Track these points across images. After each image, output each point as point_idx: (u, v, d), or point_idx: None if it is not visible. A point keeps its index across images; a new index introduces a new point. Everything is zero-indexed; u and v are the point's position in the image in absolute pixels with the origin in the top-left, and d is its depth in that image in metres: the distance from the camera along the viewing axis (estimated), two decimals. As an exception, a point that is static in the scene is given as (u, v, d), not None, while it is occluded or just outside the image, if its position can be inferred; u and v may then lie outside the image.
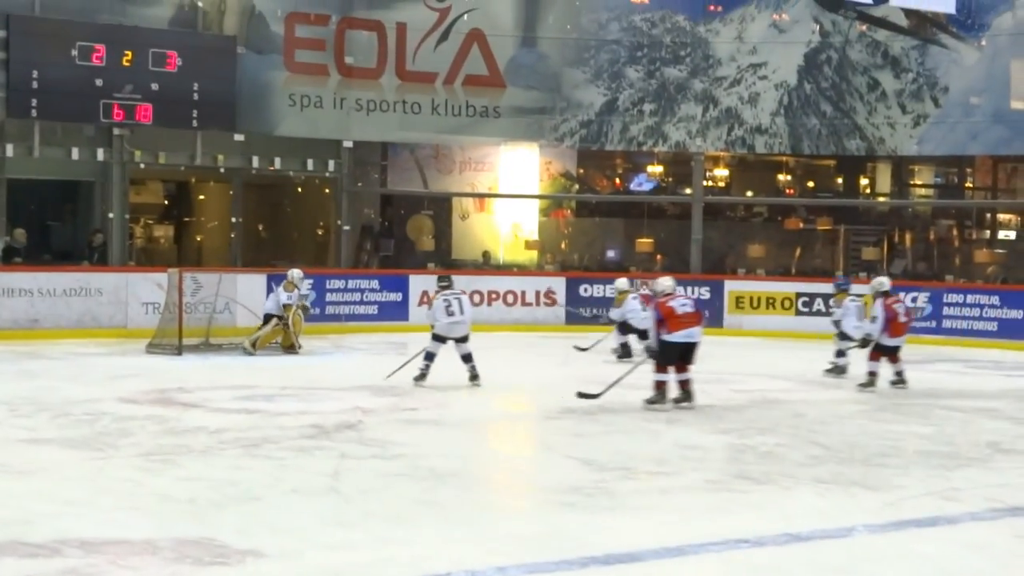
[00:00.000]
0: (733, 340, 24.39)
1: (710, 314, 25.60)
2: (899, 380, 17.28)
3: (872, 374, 17.20)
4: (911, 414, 15.13)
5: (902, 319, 17.36)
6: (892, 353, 17.26)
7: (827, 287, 25.72)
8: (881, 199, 31.52)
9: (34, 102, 22.46)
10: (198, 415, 13.77)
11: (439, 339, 16.67)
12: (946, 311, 24.78)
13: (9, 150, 23.11)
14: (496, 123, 26.83)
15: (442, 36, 26.30)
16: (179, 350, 19.77)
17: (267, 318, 20.52)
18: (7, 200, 23.91)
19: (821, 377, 18.64)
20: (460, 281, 24.95)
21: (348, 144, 26.20)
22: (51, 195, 26.28)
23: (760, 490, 10.32)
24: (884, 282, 17.92)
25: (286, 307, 20.37)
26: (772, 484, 10.54)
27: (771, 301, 25.87)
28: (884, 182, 31.48)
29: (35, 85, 22.38)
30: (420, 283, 24.97)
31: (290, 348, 20.33)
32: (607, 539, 8.45)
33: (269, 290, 21.68)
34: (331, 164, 26.32)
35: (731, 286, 26.20)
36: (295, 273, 20.75)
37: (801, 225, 29.67)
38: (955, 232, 30.65)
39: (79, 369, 17.96)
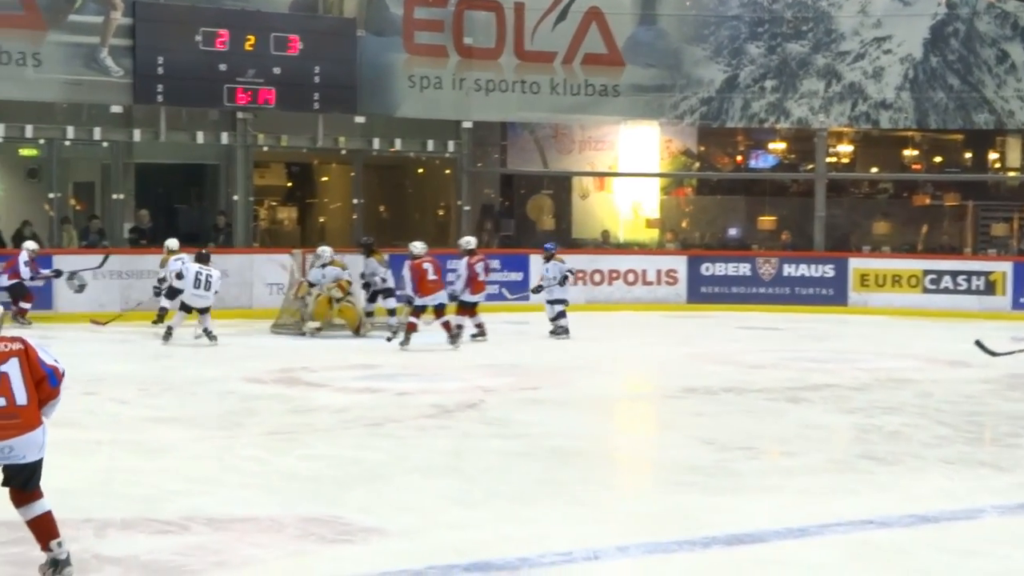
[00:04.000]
0: (858, 319, 24.11)
1: (834, 292, 25.46)
2: (480, 333, 19.32)
3: (459, 327, 18.77)
4: (1042, 393, 14.85)
5: (481, 277, 19.31)
6: (471, 308, 19.21)
7: (954, 264, 25.45)
8: (1011, 174, 30.84)
9: (160, 88, 22.80)
10: (322, 394, 13.92)
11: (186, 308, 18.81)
12: (1080, 287, 24.32)
13: (136, 135, 23.52)
14: (615, 102, 26.73)
15: (560, 15, 26.23)
16: (303, 331, 19.97)
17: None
18: (135, 184, 24.36)
19: (947, 356, 18.28)
20: (580, 260, 25.13)
21: (468, 124, 26.27)
22: (177, 178, 26.72)
23: (886, 471, 10.17)
24: (470, 241, 20.05)
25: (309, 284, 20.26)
26: (898, 465, 10.39)
27: (897, 279, 25.49)
28: (1014, 156, 30.77)
29: (160, 71, 22.72)
30: (541, 262, 24.96)
31: (356, 331, 20.21)
32: (729, 519, 8.39)
33: (394, 270, 21.84)
34: (451, 145, 26.40)
35: (856, 264, 25.86)
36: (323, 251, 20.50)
37: (928, 201, 29.20)
38: (1088, 206, 29.95)
39: (206, 349, 18.22)
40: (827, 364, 17.03)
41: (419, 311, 18.45)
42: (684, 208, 29.89)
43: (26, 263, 20.87)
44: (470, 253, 19.53)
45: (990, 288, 24.88)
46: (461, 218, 26.74)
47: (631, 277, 25.80)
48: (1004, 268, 25.09)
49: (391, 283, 20.45)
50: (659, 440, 12.27)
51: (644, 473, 10.73)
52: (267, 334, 20.15)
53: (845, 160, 29.89)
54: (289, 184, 29.68)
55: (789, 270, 25.82)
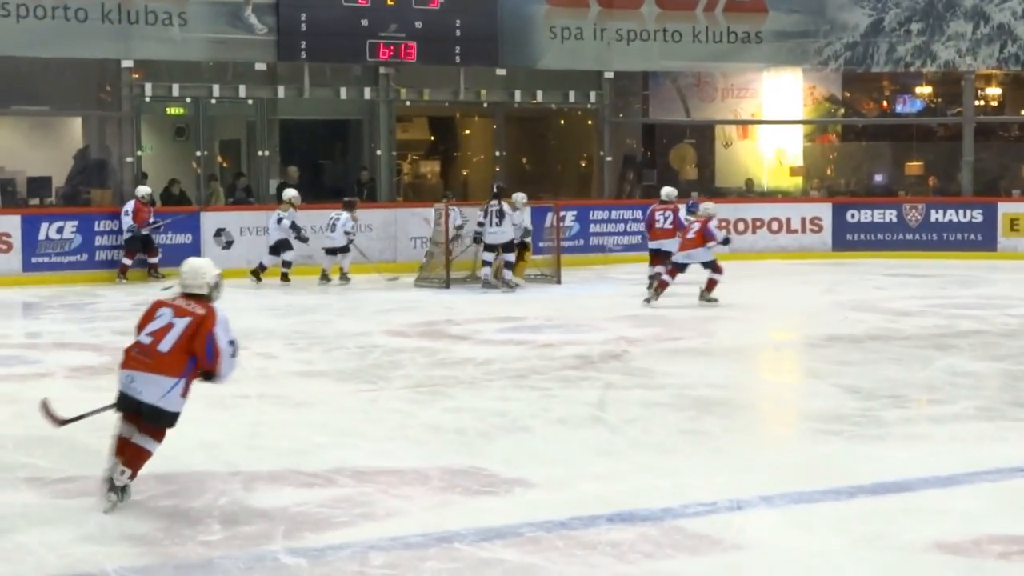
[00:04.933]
0: (1008, 264, 23.63)
1: (983, 238, 24.98)
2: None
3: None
4: None
5: (659, 225, 19.04)
6: (659, 256, 18.75)
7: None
8: None
9: (303, 44, 23.03)
10: (466, 347, 14.02)
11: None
12: None
13: (281, 92, 23.79)
14: (758, 49, 26.39)
15: (702, -38, 25.98)
16: (447, 283, 20.14)
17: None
18: (280, 140, 24.67)
19: None
20: (724, 209, 24.94)
21: (609, 75, 26.14)
22: (321, 134, 26.98)
23: (1036, 418, 10.02)
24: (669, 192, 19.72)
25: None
26: (1049, 412, 10.22)
27: (1049, 223, 24.96)
28: None
29: (304, 28, 22.94)
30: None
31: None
32: (875, 468, 8.31)
33: (538, 223, 21.95)
34: (592, 95, 26.31)
35: (1005, 208, 25.34)
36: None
37: (1080, 144, 28.49)
38: None
39: (351, 303, 18.45)
40: (975, 311, 16.73)
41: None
42: (829, 155, 29.49)
43: (127, 213, 21.01)
44: (664, 204, 19.37)
45: None
46: (603, 169, 26.67)
47: (775, 225, 25.55)
48: None
49: (489, 236, 20.17)
50: (803, 389, 12.19)
51: (788, 422, 10.67)
52: (411, 288, 20.33)
53: (993, 103, 29.23)
54: (431, 138, 29.81)
55: (936, 216, 25.37)
